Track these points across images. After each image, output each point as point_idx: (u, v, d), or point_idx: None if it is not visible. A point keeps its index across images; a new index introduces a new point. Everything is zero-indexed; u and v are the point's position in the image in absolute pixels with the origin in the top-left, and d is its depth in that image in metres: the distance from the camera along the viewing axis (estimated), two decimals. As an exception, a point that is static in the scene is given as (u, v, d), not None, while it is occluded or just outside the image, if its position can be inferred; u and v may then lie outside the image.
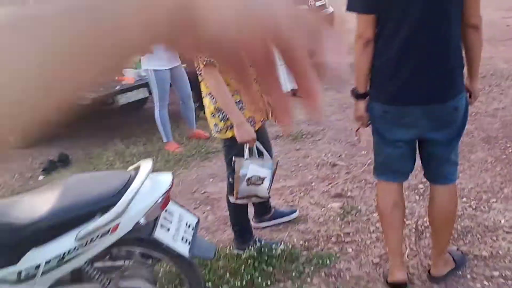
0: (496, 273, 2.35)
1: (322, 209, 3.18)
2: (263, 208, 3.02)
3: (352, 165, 3.76)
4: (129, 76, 5.15)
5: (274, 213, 3.08)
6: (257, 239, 2.81)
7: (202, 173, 4.04)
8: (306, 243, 2.82)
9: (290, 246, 2.77)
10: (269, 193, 2.53)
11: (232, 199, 2.52)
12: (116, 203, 1.81)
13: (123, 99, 5.24)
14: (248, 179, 2.39)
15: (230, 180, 2.50)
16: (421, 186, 3.19)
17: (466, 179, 3.26)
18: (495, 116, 4.33)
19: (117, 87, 5.07)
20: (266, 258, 2.63)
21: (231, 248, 2.81)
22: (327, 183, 3.53)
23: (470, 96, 2.13)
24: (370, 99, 2.10)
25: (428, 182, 2.27)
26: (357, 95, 2.12)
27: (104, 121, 5.84)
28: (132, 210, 1.84)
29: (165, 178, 1.98)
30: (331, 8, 6.86)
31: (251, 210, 2.91)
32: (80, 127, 5.07)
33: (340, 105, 5.06)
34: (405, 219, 2.49)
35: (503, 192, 3.05)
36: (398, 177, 2.25)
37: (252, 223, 2.95)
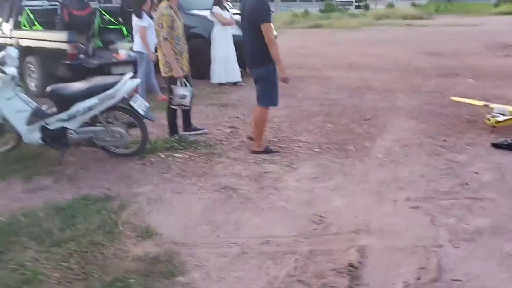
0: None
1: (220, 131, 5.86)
2: (188, 123, 5.67)
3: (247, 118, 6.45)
4: (122, 54, 7.81)
5: (193, 128, 5.73)
6: (179, 133, 5.47)
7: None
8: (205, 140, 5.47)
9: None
10: (190, 104, 5.23)
11: (170, 106, 5.21)
12: (116, 85, 4.49)
13: (116, 70, 7.86)
14: (178, 95, 5.07)
15: (170, 96, 5.19)
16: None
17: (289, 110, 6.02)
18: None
19: (114, 60, 7.72)
20: (184, 142, 5.27)
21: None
22: (230, 124, 6.21)
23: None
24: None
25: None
26: None
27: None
28: (122, 89, 4.51)
29: (137, 80, 4.69)
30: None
31: (180, 124, 5.58)
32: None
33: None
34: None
35: (301, 132, 5.79)
36: None
37: (181, 131, 5.59)
